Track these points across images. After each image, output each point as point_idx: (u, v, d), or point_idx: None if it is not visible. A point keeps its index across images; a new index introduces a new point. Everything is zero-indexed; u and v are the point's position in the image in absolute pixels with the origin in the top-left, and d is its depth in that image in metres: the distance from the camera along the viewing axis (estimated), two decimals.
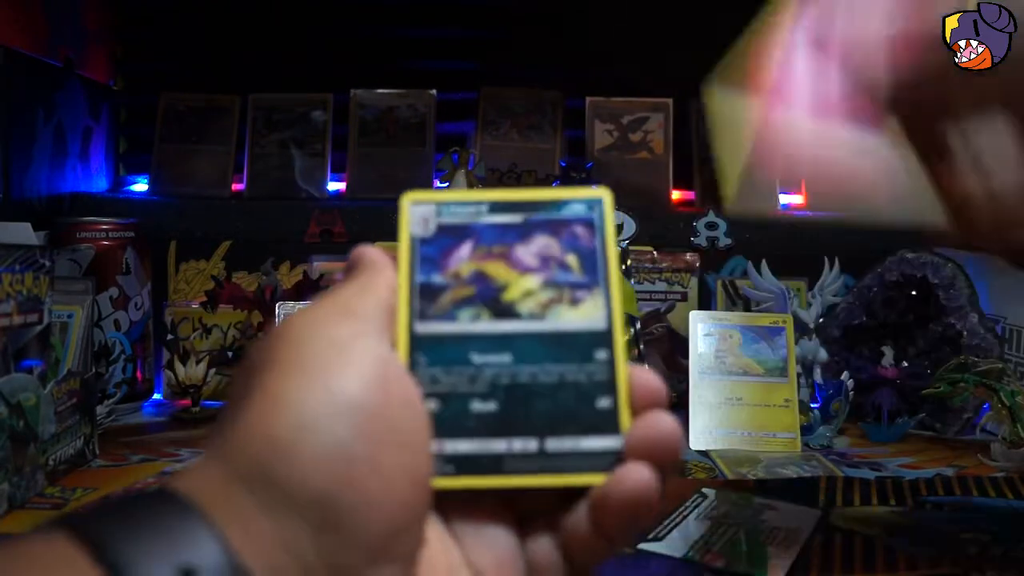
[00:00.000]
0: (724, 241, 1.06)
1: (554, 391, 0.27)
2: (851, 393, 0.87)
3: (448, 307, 0.28)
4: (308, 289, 0.93)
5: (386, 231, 1.06)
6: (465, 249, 0.29)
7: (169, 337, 0.97)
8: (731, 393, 0.84)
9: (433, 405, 0.27)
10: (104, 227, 0.94)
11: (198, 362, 0.92)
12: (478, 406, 0.27)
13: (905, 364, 0.91)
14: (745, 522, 0.62)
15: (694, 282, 1.03)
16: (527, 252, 0.29)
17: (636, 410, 0.27)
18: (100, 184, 1.19)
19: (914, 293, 0.93)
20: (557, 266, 0.29)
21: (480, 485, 0.26)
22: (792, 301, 0.94)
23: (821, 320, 0.92)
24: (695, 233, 1.07)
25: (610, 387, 0.27)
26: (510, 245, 0.29)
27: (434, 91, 1.22)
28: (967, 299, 0.89)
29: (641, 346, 0.82)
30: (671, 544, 0.58)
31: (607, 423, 0.27)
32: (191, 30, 1.26)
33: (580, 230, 0.29)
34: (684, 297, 1.03)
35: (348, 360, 0.24)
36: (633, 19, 1.24)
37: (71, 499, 0.65)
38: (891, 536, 0.60)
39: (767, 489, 0.70)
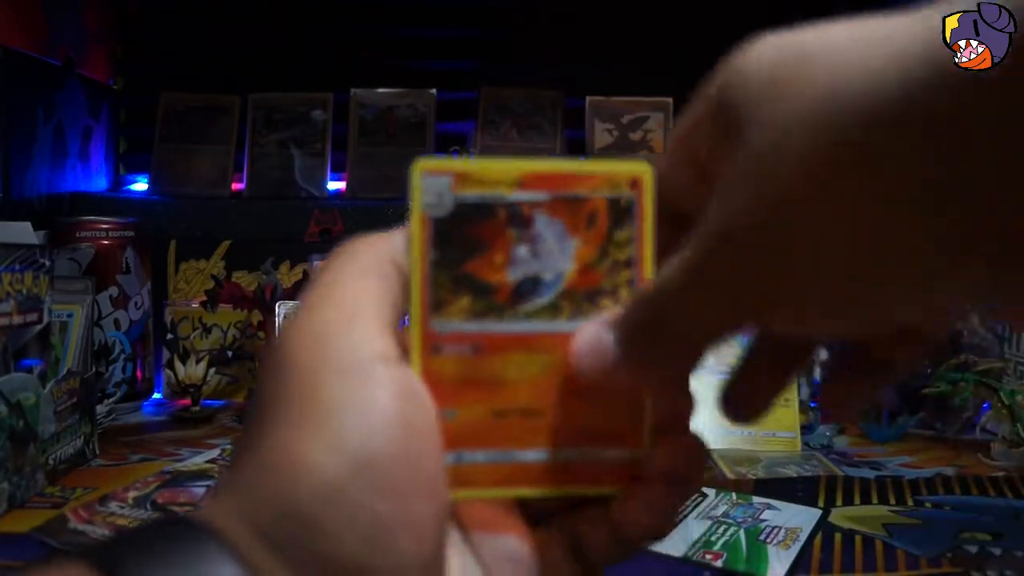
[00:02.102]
0: None
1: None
2: None
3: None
4: None
5: (386, 231, 1.06)
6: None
7: (169, 336, 0.97)
8: None
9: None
10: (104, 227, 0.94)
11: (198, 361, 0.92)
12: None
13: None
14: (745, 521, 0.62)
15: None
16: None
17: (661, 419, 0.25)
18: (100, 184, 1.19)
19: None
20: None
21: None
22: None
23: None
24: None
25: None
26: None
27: (434, 91, 1.22)
28: None
29: None
30: (671, 543, 0.58)
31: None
32: (191, 30, 1.26)
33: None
34: None
35: (367, 402, 0.22)
36: (633, 19, 1.24)
37: (71, 498, 0.65)
38: (891, 536, 0.60)
39: (767, 488, 0.70)
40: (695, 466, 0.25)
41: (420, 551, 0.22)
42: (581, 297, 0.25)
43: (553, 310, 0.25)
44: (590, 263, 0.25)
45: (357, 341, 0.23)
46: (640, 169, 0.26)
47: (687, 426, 0.26)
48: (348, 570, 0.21)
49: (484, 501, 0.26)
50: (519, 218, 0.25)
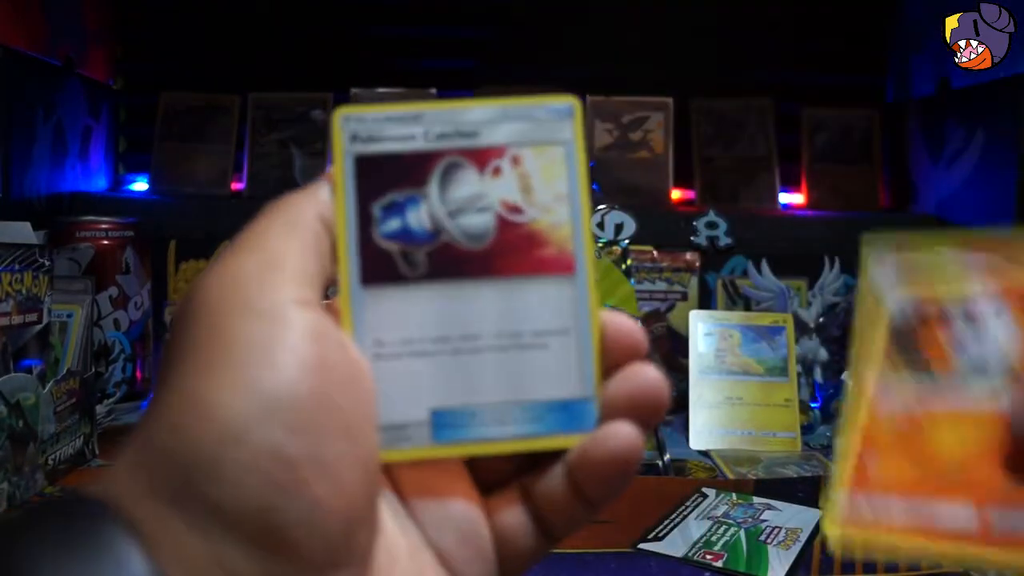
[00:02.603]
0: (724, 240, 1.06)
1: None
2: None
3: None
4: None
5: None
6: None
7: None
8: (731, 392, 0.84)
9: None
10: (104, 226, 0.94)
11: None
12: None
13: None
14: (745, 522, 0.62)
15: (694, 282, 1.03)
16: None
17: (615, 361, 0.24)
18: (100, 183, 1.19)
19: None
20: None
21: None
22: (792, 300, 0.94)
23: (821, 319, 0.92)
24: (695, 232, 1.07)
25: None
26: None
27: (434, 90, 1.22)
28: None
29: None
30: (671, 544, 0.58)
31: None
32: (191, 30, 1.26)
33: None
34: (684, 297, 1.03)
35: (277, 342, 0.21)
36: (633, 19, 1.24)
37: None
38: None
39: (767, 489, 0.70)
40: (657, 400, 0.24)
41: (338, 501, 0.20)
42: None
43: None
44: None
45: (271, 286, 0.22)
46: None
47: (641, 358, 0.24)
48: (249, 515, 0.19)
49: (426, 464, 0.24)
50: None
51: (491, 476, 0.25)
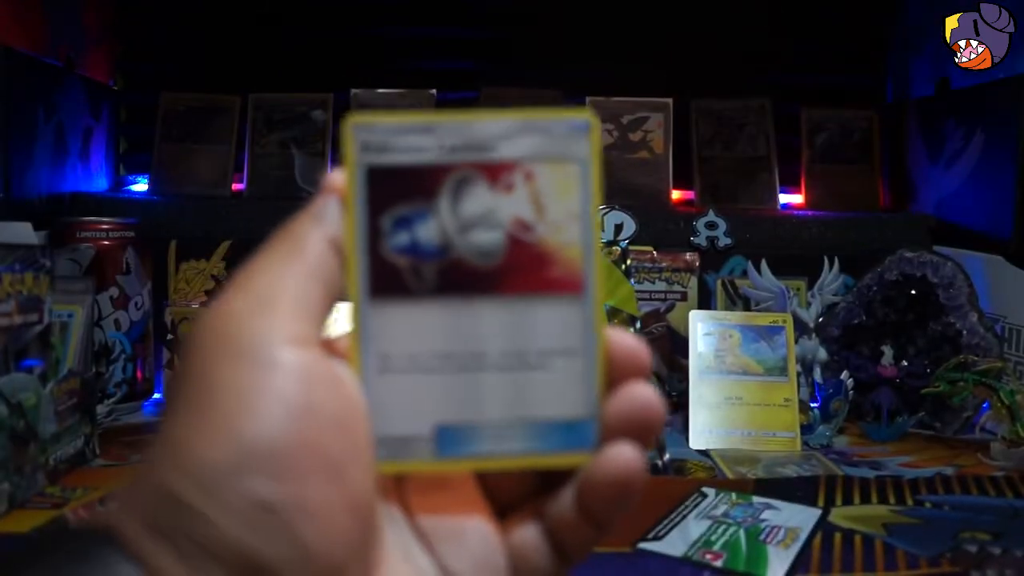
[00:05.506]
0: (724, 241, 1.06)
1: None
2: (851, 392, 0.87)
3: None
4: None
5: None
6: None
7: (169, 337, 0.97)
8: (731, 392, 0.85)
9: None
10: (104, 227, 0.94)
11: None
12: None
13: (905, 363, 0.91)
14: (745, 521, 0.62)
15: (694, 282, 1.03)
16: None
17: (615, 379, 0.24)
18: (100, 184, 1.19)
19: (914, 292, 0.93)
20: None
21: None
22: (792, 301, 0.94)
23: (821, 319, 0.92)
24: (695, 233, 1.07)
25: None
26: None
27: (434, 91, 1.22)
28: (967, 298, 0.89)
29: None
30: (671, 543, 0.58)
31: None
32: (191, 30, 1.26)
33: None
34: (684, 297, 1.03)
35: (262, 387, 0.21)
36: (633, 19, 1.24)
37: (71, 498, 0.65)
38: (891, 535, 0.60)
39: (767, 488, 0.70)
40: (652, 420, 0.24)
41: (325, 544, 0.21)
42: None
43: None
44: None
45: (262, 327, 0.22)
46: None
47: (642, 377, 0.24)
48: (235, 556, 0.20)
49: (441, 485, 0.25)
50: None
51: (505, 499, 0.25)
